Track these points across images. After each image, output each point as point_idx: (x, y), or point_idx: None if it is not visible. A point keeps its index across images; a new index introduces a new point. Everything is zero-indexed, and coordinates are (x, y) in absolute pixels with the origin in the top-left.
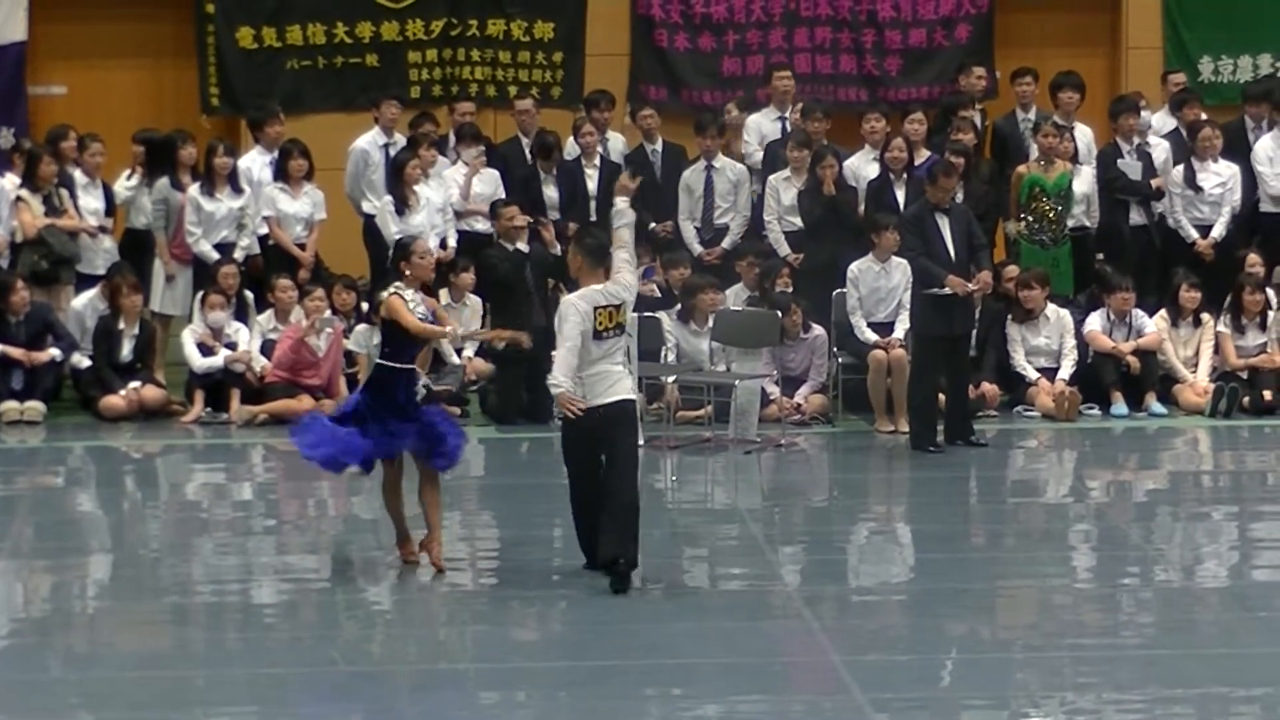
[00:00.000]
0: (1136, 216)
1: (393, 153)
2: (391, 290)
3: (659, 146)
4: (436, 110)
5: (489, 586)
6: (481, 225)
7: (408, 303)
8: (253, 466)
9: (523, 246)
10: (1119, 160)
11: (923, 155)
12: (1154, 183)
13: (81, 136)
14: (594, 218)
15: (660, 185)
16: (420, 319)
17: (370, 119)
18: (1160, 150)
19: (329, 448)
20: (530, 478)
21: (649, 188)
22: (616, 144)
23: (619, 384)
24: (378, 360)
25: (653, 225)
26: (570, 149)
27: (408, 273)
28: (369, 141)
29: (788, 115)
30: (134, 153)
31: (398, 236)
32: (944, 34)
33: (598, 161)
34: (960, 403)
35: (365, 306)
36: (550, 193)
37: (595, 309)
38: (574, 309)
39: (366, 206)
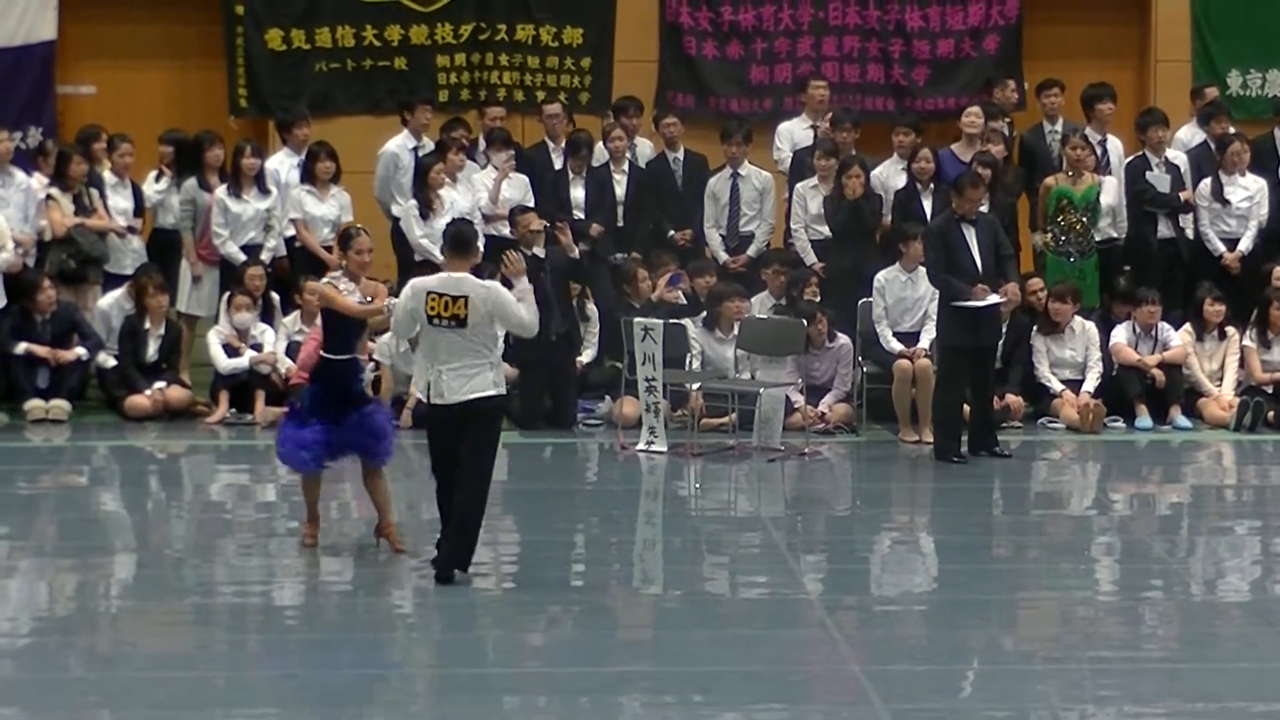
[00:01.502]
0: (1164, 229)
1: (421, 156)
2: (326, 280)
3: (680, 155)
4: (465, 115)
5: (510, 591)
6: (509, 231)
7: (341, 292)
8: (276, 468)
9: (539, 251)
10: (1147, 173)
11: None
12: (1183, 195)
13: (111, 137)
14: (621, 223)
15: (680, 193)
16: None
17: (397, 122)
18: (1179, 163)
19: (283, 447)
20: (553, 483)
21: (669, 196)
22: (645, 150)
23: (475, 379)
24: (322, 353)
25: (671, 233)
26: (599, 154)
27: (343, 263)
28: (399, 145)
29: (820, 124)
30: (160, 153)
31: (422, 240)
32: (972, 45)
33: (626, 167)
34: (985, 414)
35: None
36: (577, 193)
37: (428, 294)
38: (407, 289)
39: (395, 210)
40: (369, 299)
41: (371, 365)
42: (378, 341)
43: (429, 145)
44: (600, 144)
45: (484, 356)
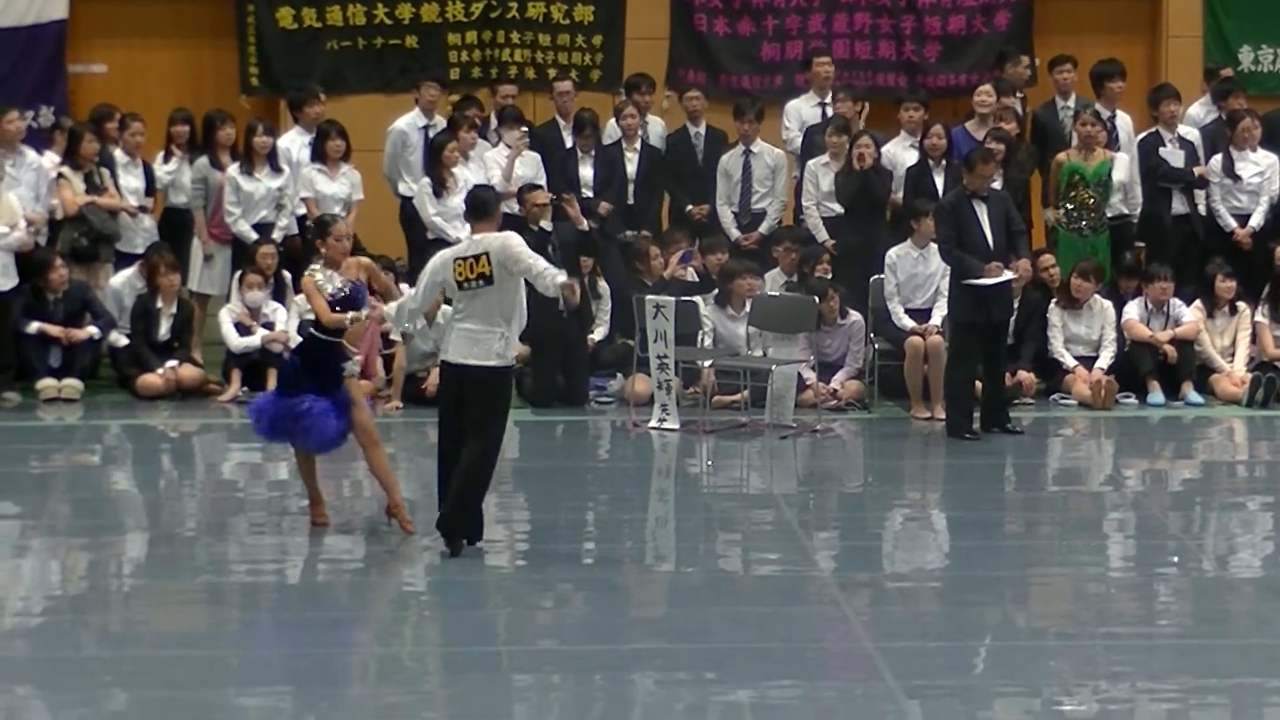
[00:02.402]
0: (1179, 206)
1: (431, 135)
2: (308, 270)
3: (702, 130)
4: (476, 92)
5: (522, 569)
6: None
7: (319, 285)
8: (288, 446)
9: (546, 225)
10: (1161, 149)
11: (985, 129)
12: (1197, 171)
13: (123, 116)
14: (631, 200)
15: (702, 169)
16: (332, 295)
17: (409, 100)
18: (1193, 139)
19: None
20: (565, 461)
21: (690, 171)
22: (656, 128)
23: (479, 346)
24: (310, 329)
25: (689, 208)
26: (610, 132)
27: (323, 250)
28: (408, 123)
29: (828, 101)
30: (170, 133)
31: (435, 218)
32: (983, 21)
33: (638, 145)
34: (997, 390)
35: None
36: (585, 172)
37: (455, 260)
38: (434, 260)
39: (403, 188)
40: (359, 280)
41: (372, 348)
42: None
43: (439, 123)
44: (611, 122)
45: (496, 325)
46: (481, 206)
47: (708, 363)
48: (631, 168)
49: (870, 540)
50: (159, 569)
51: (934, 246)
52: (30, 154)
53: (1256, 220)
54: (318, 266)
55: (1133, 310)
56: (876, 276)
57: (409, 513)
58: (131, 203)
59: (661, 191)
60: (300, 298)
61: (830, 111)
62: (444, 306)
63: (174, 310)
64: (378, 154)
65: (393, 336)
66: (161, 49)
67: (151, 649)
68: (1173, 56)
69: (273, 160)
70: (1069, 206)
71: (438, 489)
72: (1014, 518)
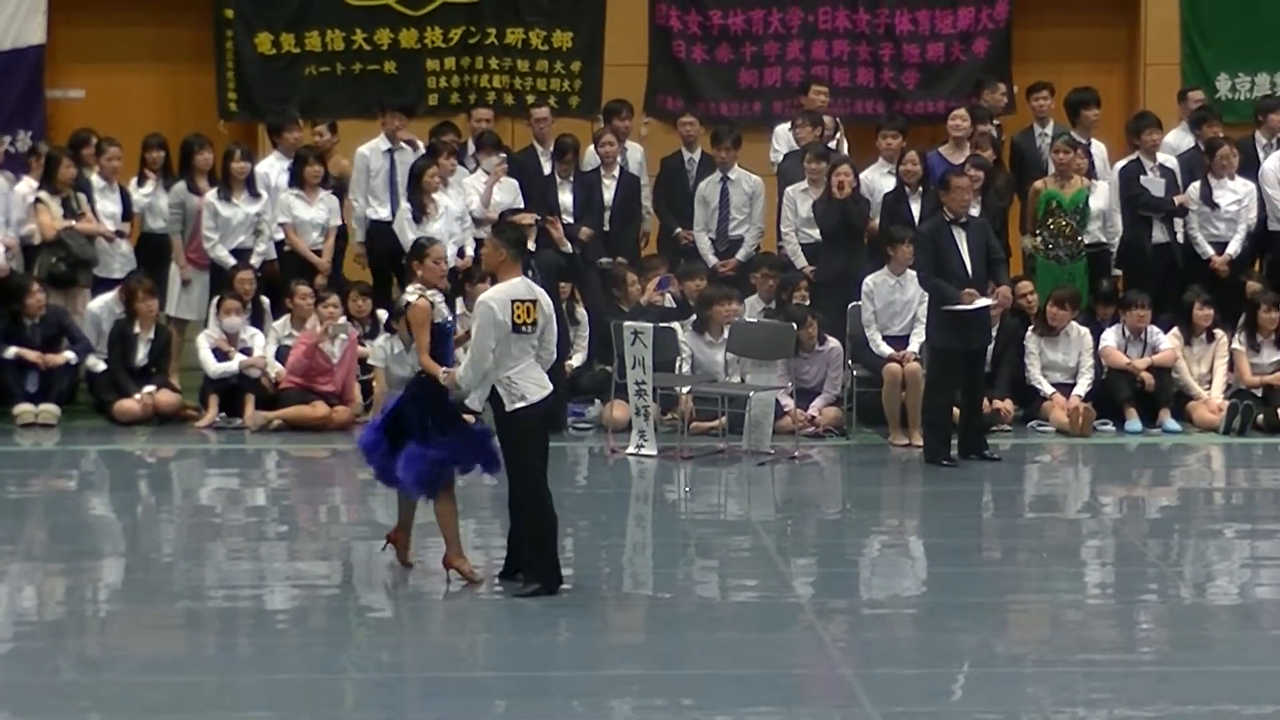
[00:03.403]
0: (1159, 234)
1: (396, 159)
2: (417, 292)
3: (697, 155)
4: (455, 119)
5: (500, 594)
6: None
7: (434, 307)
8: (266, 472)
9: (529, 246)
10: (1142, 177)
11: (965, 153)
12: (1177, 200)
13: (100, 140)
14: (607, 227)
15: (692, 194)
16: (443, 322)
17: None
18: (1172, 167)
19: (419, 465)
20: None
21: (682, 196)
22: (635, 154)
23: (544, 377)
24: (418, 372)
25: (677, 230)
26: (589, 158)
27: (419, 273)
28: (371, 148)
29: (798, 130)
30: (144, 158)
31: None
32: (961, 48)
33: (616, 172)
34: (975, 417)
35: (384, 315)
36: (565, 198)
37: (513, 302)
38: (490, 306)
39: (367, 212)
40: (453, 321)
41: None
42: (372, 345)
43: (406, 150)
44: (590, 148)
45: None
46: (525, 247)
47: (686, 389)
48: (608, 194)
49: (848, 566)
50: (136, 594)
51: (911, 274)
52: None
53: (1234, 248)
54: (422, 286)
55: (1110, 337)
56: (854, 303)
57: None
58: (109, 227)
59: (639, 218)
60: (279, 322)
61: (795, 140)
62: None
63: (151, 335)
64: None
65: (370, 361)
66: (140, 74)
67: (129, 674)
68: (1151, 84)
69: (251, 185)
70: (1046, 234)
71: (550, 536)
72: (992, 544)
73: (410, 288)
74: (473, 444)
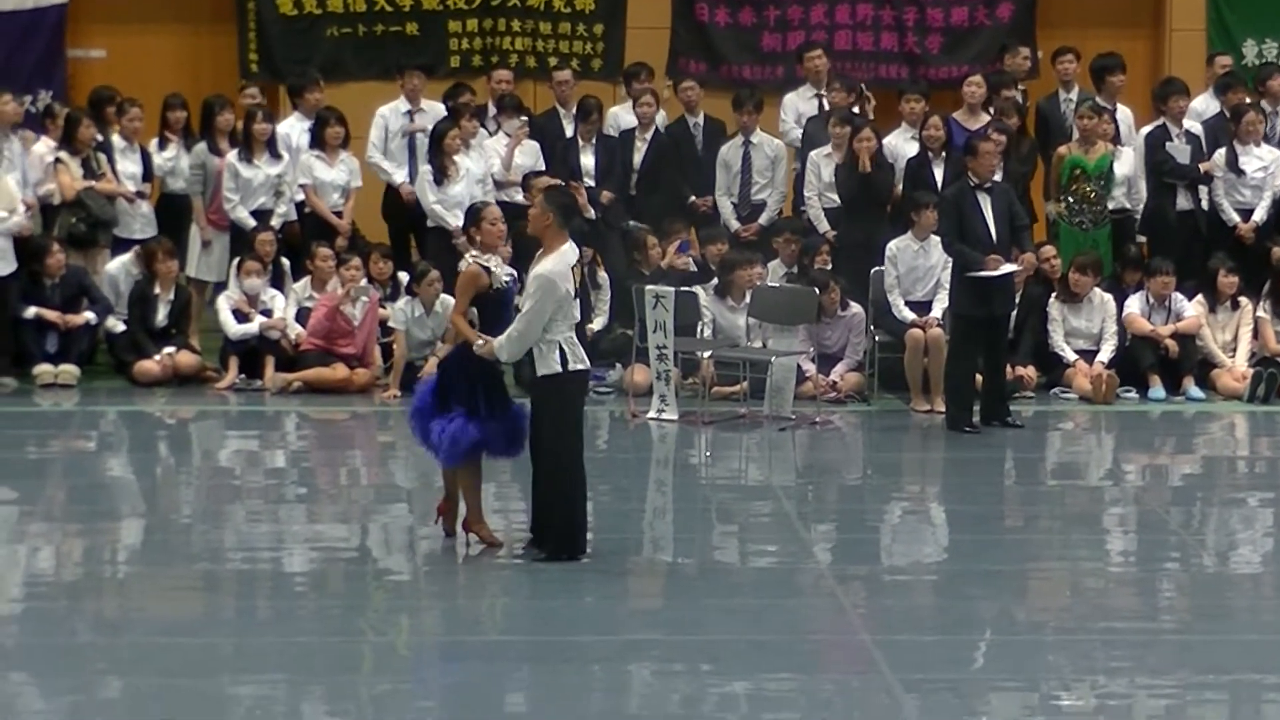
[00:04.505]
0: (1183, 201)
1: (416, 121)
2: (470, 258)
3: (700, 120)
4: (476, 81)
5: (520, 558)
6: (521, 197)
7: (490, 271)
8: (285, 434)
9: (588, 214)
10: (1167, 144)
11: (980, 119)
12: (1202, 166)
13: (121, 101)
14: (634, 191)
15: (701, 159)
16: (505, 283)
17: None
18: (1198, 133)
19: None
20: None
21: (689, 162)
22: (658, 117)
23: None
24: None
25: (692, 199)
26: (609, 121)
27: (478, 238)
28: (390, 109)
29: (823, 93)
30: (165, 118)
31: (435, 206)
32: (986, 13)
33: (649, 134)
34: (997, 384)
35: (405, 278)
36: (587, 160)
37: (570, 268)
38: (553, 280)
39: (381, 175)
40: (515, 280)
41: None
42: (392, 307)
43: (425, 111)
44: (611, 110)
45: None
46: (575, 214)
47: (707, 353)
48: (638, 157)
49: (868, 533)
50: (155, 556)
51: (935, 239)
52: (16, 140)
53: (1260, 215)
54: (479, 253)
55: (1134, 304)
56: (877, 268)
57: (414, 501)
58: (129, 188)
59: (667, 181)
60: (299, 284)
61: (826, 104)
62: (443, 295)
63: (171, 296)
64: None
65: (391, 324)
66: (161, 34)
67: (146, 636)
68: (1176, 49)
69: (272, 147)
70: (1070, 200)
71: (580, 501)
72: (1013, 511)
73: (468, 255)
74: (514, 429)
